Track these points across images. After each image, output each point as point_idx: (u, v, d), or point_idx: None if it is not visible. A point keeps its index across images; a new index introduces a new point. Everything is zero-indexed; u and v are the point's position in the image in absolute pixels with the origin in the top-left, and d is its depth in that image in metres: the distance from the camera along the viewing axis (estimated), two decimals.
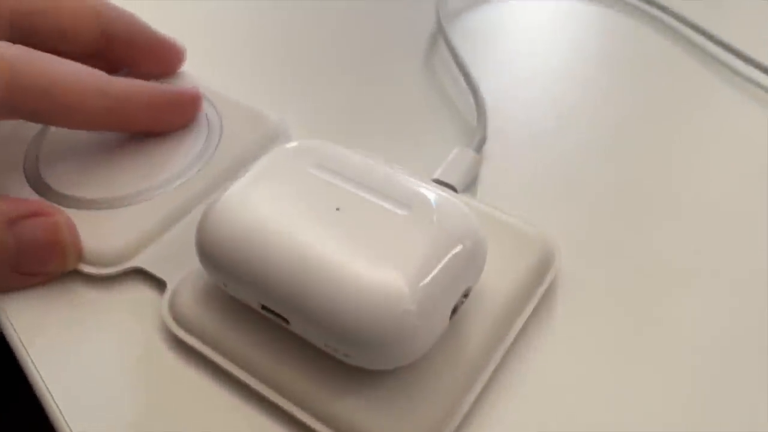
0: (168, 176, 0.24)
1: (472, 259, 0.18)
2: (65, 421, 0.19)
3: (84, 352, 0.20)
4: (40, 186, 0.24)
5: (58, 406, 0.19)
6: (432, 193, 0.19)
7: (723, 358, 0.20)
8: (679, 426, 0.19)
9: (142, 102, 0.24)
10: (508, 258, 0.21)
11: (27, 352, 0.21)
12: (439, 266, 0.17)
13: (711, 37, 0.32)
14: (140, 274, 0.22)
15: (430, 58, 0.32)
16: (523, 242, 0.21)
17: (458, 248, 0.17)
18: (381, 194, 0.18)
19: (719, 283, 0.22)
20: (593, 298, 0.22)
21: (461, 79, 0.30)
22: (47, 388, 0.20)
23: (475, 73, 0.29)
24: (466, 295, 0.18)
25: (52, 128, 0.26)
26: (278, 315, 0.18)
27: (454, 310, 0.18)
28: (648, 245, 0.23)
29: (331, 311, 0.16)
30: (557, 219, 0.24)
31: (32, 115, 0.22)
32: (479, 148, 0.26)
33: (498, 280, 0.20)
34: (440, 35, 0.32)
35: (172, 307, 0.20)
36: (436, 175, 0.24)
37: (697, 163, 0.27)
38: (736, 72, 0.31)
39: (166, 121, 0.25)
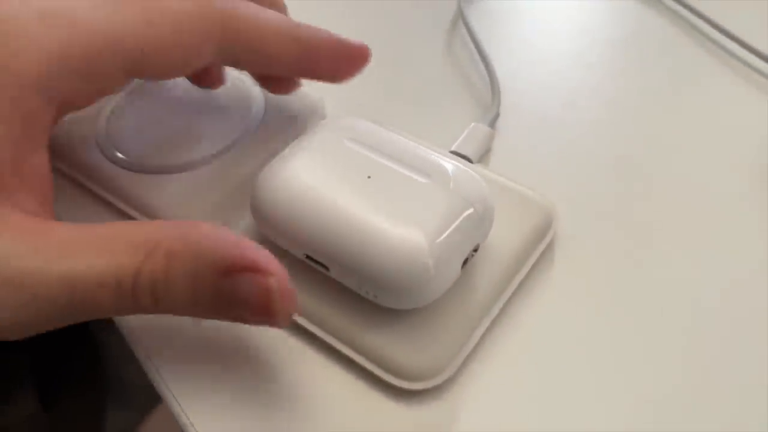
0: (222, 146, 0.27)
1: (482, 221, 0.22)
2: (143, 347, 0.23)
3: None
4: (113, 156, 0.27)
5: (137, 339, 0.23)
6: (449, 164, 0.22)
7: (704, 308, 0.23)
8: (662, 365, 0.22)
9: (327, 51, 0.24)
10: (513, 219, 0.24)
11: None
12: (453, 226, 0.21)
13: (713, 24, 0.34)
14: None
15: (451, 40, 0.35)
16: (526, 206, 0.25)
17: (470, 211, 0.21)
18: (405, 164, 0.22)
19: (704, 245, 0.25)
20: (587, 256, 0.25)
21: (479, 60, 0.33)
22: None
23: (492, 54, 0.32)
24: (475, 250, 0.22)
25: (119, 104, 0.30)
26: (320, 263, 0.22)
27: (465, 262, 0.21)
28: (640, 214, 0.27)
29: (364, 261, 0.20)
30: (559, 188, 0.27)
31: (235, 62, 0.24)
32: (493, 124, 0.29)
33: (504, 238, 0.24)
34: (460, 19, 0.35)
35: None
36: (453, 147, 0.28)
37: (691, 142, 0.29)
38: (735, 57, 0.33)
39: (342, 70, 0.25)
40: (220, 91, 0.30)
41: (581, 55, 0.34)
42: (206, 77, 0.28)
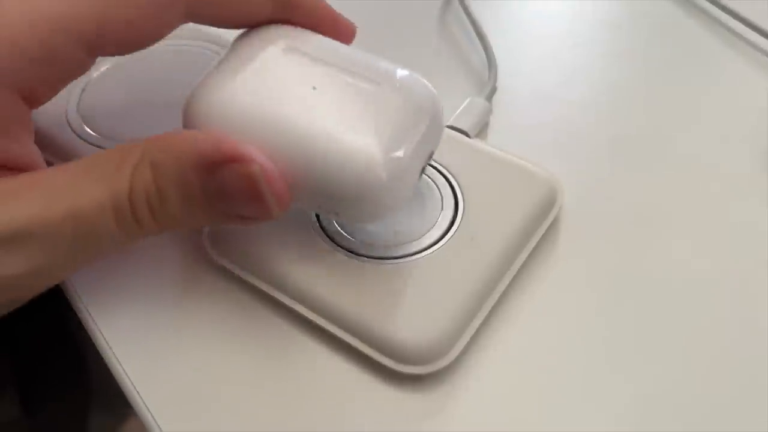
0: None
1: (434, 126, 0.20)
2: (107, 344, 0.21)
3: (131, 279, 0.23)
4: (84, 134, 0.26)
5: (101, 332, 0.22)
6: (396, 69, 0.20)
7: (711, 293, 0.22)
8: (670, 350, 0.21)
9: (306, 17, 0.22)
10: (516, 194, 0.23)
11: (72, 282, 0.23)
12: (407, 133, 0.19)
13: (714, 1, 0.33)
14: None
15: (445, 16, 0.34)
16: (529, 181, 0.23)
17: (422, 117, 0.20)
18: (351, 72, 0.20)
19: (709, 227, 0.24)
20: (591, 233, 0.24)
21: (474, 36, 0.31)
22: (90, 314, 0.22)
23: (487, 29, 0.31)
24: (430, 157, 0.21)
25: (90, 83, 0.28)
26: None
27: (422, 171, 0.21)
28: (643, 190, 0.25)
29: (321, 178, 0.19)
30: (560, 163, 0.25)
31: (204, 20, 0.21)
32: (490, 98, 0.28)
33: (507, 214, 0.22)
34: None
35: (210, 236, 0.22)
36: (450, 122, 0.26)
37: (692, 121, 0.28)
38: (737, 35, 0.32)
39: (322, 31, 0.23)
40: (194, 66, 0.28)
41: (578, 34, 0.33)
42: None
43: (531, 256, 0.22)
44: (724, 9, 0.32)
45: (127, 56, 0.29)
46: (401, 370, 0.19)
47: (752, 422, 0.19)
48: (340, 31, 0.23)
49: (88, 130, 0.26)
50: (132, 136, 0.25)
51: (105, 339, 0.22)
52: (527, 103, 0.29)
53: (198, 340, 0.21)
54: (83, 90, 0.27)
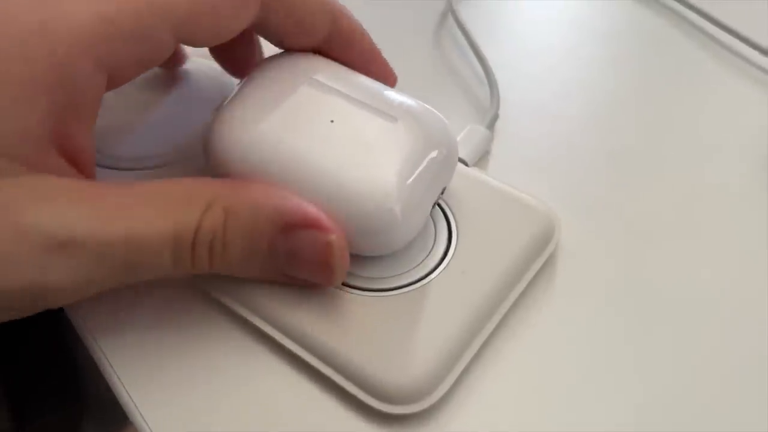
0: (197, 140, 0.25)
1: (447, 162, 0.21)
2: (104, 354, 0.21)
3: (118, 301, 0.22)
4: None
5: (96, 341, 0.21)
6: (415, 106, 0.21)
7: (719, 334, 0.21)
8: (676, 391, 0.20)
9: (359, 45, 0.23)
10: (511, 228, 0.22)
11: None
12: (420, 169, 0.20)
13: (707, 16, 0.33)
14: None
15: (440, 36, 0.33)
16: (526, 215, 0.23)
17: (436, 154, 0.20)
18: (370, 107, 0.20)
19: (719, 256, 0.23)
20: (591, 269, 0.23)
21: (472, 57, 0.31)
22: (86, 326, 0.22)
23: (484, 49, 0.31)
24: (442, 193, 0.21)
25: None
26: None
27: (433, 206, 0.21)
28: (648, 224, 0.24)
29: (334, 210, 0.19)
30: (564, 193, 0.25)
31: (265, 23, 0.21)
32: (491, 125, 0.27)
33: (501, 247, 0.22)
34: (449, 14, 0.33)
35: None
36: None
37: (699, 143, 0.28)
38: (729, 49, 0.32)
39: (361, 69, 0.23)
40: (193, 82, 0.28)
41: (581, 52, 0.32)
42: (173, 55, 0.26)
43: (527, 291, 0.22)
44: (717, 23, 0.33)
45: None
46: (385, 410, 0.19)
47: (755, 426, 0.19)
48: (384, 78, 0.23)
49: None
50: (131, 154, 0.25)
51: (103, 352, 0.21)
52: (530, 129, 0.28)
53: (190, 360, 0.21)
54: None
